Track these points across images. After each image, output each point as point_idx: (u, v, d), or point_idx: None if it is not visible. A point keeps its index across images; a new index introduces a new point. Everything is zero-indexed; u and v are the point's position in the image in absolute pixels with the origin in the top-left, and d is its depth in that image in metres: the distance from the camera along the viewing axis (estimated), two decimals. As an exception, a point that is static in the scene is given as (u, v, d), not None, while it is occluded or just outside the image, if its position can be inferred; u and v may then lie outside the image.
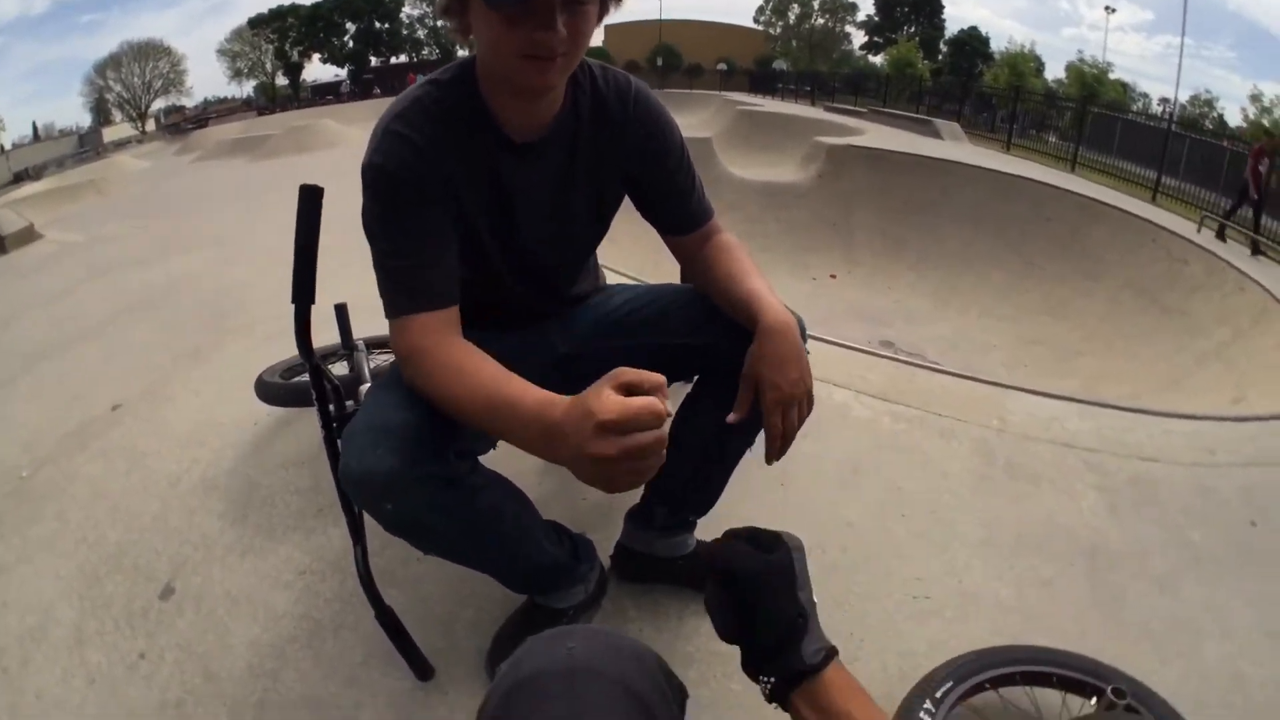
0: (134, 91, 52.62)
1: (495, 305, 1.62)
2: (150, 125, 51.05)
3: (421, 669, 1.73)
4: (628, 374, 1.04)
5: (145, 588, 2.12)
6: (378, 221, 1.35)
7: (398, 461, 1.24)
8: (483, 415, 1.21)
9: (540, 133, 1.44)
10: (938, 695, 1.54)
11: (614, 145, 1.53)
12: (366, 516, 1.51)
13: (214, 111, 51.68)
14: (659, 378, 1.05)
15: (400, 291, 1.34)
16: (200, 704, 1.75)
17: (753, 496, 2.25)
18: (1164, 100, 43.19)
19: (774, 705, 1.07)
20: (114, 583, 2.16)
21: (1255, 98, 42.18)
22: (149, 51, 53.51)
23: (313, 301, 1.55)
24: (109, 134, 48.53)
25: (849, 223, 8.58)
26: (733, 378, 1.53)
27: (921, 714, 1.50)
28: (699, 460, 1.75)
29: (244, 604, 2.02)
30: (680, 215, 1.63)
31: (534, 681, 0.80)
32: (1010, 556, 2.20)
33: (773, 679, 1.05)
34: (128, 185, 16.09)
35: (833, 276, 8.01)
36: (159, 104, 53.88)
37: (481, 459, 1.49)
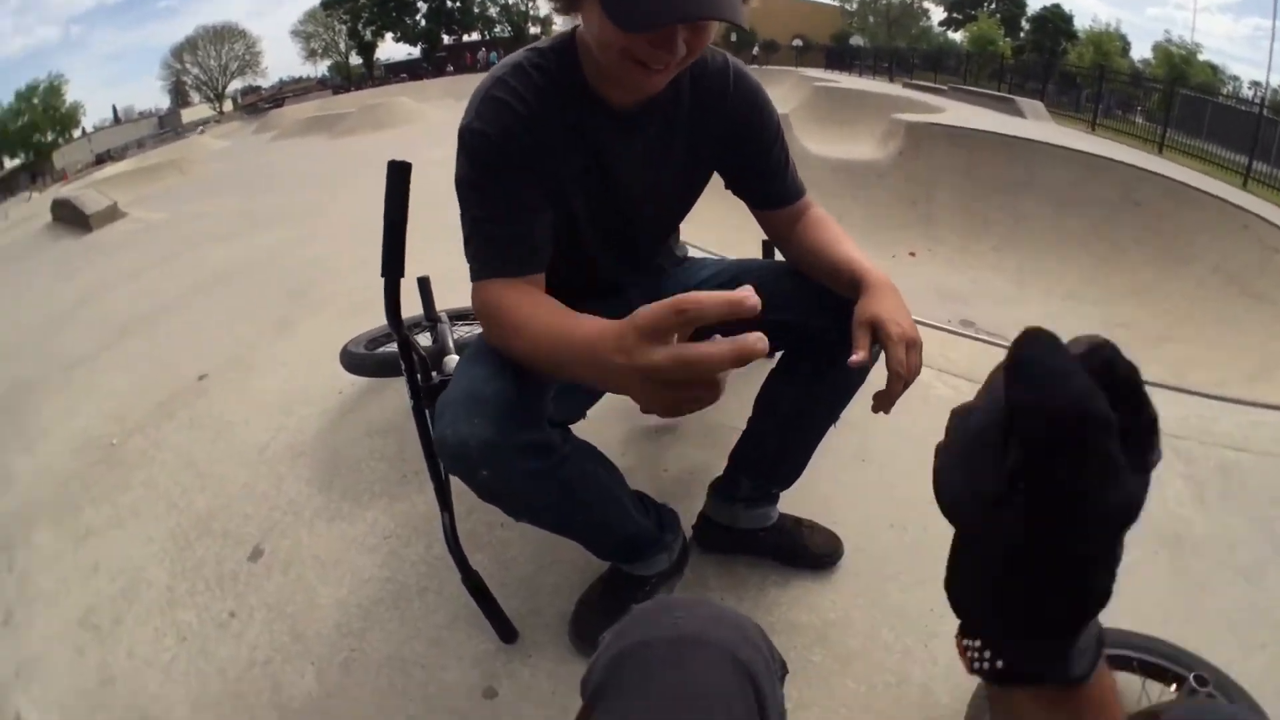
0: (210, 74, 53.52)
1: (580, 274, 1.62)
2: (228, 106, 52.08)
3: (506, 631, 1.76)
4: (643, 315, 0.95)
5: (234, 551, 2.19)
6: (472, 186, 1.35)
7: (493, 430, 1.25)
8: (547, 354, 1.19)
9: (640, 106, 1.43)
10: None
11: (714, 121, 1.52)
12: (454, 483, 1.54)
13: (289, 91, 52.47)
14: (672, 301, 0.92)
15: (489, 255, 1.34)
16: (288, 661, 1.81)
17: (834, 473, 2.24)
18: (1255, 84, 41.50)
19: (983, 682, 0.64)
20: (203, 546, 2.24)
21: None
22: (224, 34, 54.40)
23: (402, 274, 1.59)
24: (187, 115, 49.76)
25: (930, 201, 8.40)
26: (820, 352, 1.55)
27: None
28: (784, 432, 1.75)
29: (331, 567, 2.07)
30: (776, 191, 1.62)
31: (641, 649, 0.79)
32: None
33: (1000, 664, 0.61)
34: (208, 164, 16.43)
35: (912, 255, 7.87)
36: (235, 85, 54.83)
37: (573, 429, 1.50)
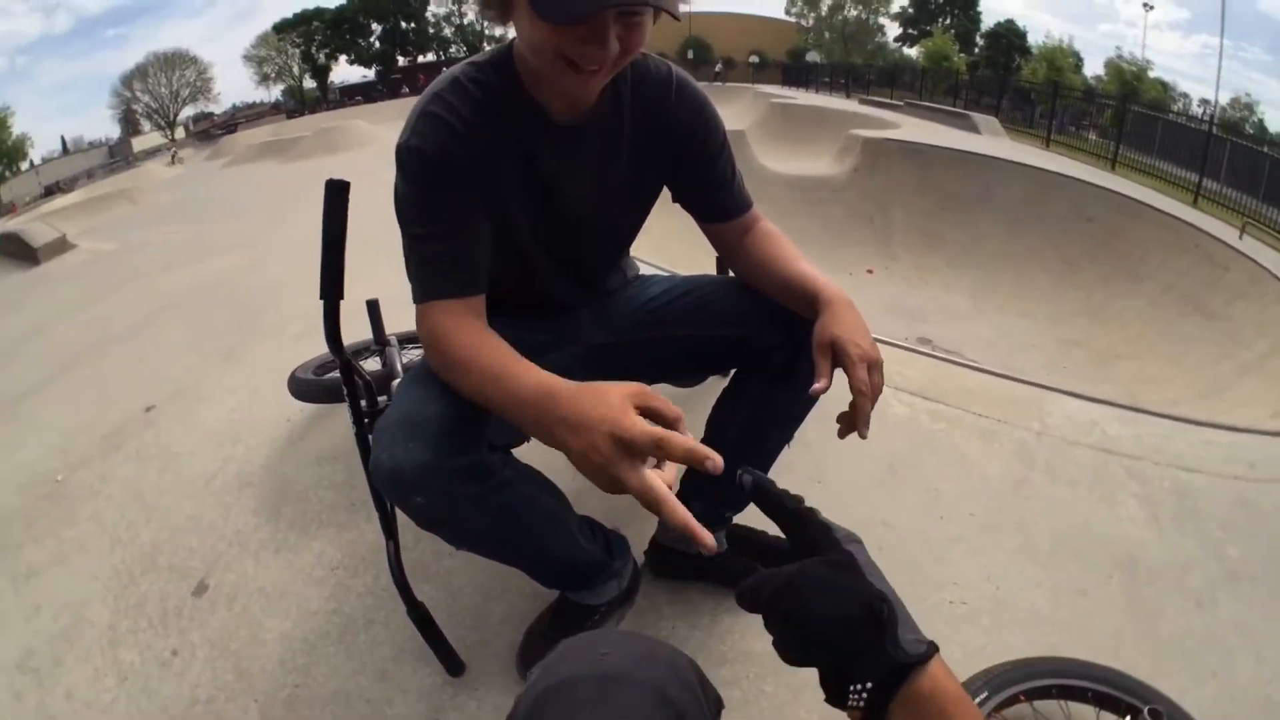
0: (162, 101, 53.07)
1: (528, 294, 1.60)
2: (179, 133, 51.64)
3: (452, 664, 1.73)
4: (652, 398, 1.02)
5: (179, 585, 2.14)
6: (410, 204, 1.32)
7: (429, 455, 1.22)
8: (492, 398, 1.19)
9: (581, 116, 1.41)
10: (972, 706, 1.51)
11: (657, 130, 1.50)
12: (399, 511, 1.51)
13: (243, 116, 52.22)
14: (678, 411, 1.03)
15: (429, 276, 1.32)
16: (231, 700, 1.76)
17: (787, 494, 2.22)
18: (1204, 101, 42.37)
19: None
20: (148, 582, 2.18)
21: (1296, 104, 41.63)
22: (175, 61, 53.97)
23: (341, 296, 1.55)
24: (139, 143, 49.24)
25: (886, 218, 8.50)
26: (771, 370, 1.54)
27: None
28: (737, 453, 1.72)
29: (277, 600, 2.03)
30: (723, 203, 1.60)
31: (566, 687, 0.78)
32: (1047, 564, 2.16)
33: (868, 685, 0.76)
34: (159, 193, 16.29)
35: (869, 271, 7.94)
36: (187, 111, 54.41)
37: (515, 453, 1.47)
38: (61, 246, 8.40)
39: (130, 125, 52.78)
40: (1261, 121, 41.56)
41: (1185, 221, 7.30)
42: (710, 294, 1.66)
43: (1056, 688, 1.60)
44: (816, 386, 1.31)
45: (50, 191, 34.96)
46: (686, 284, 1.74)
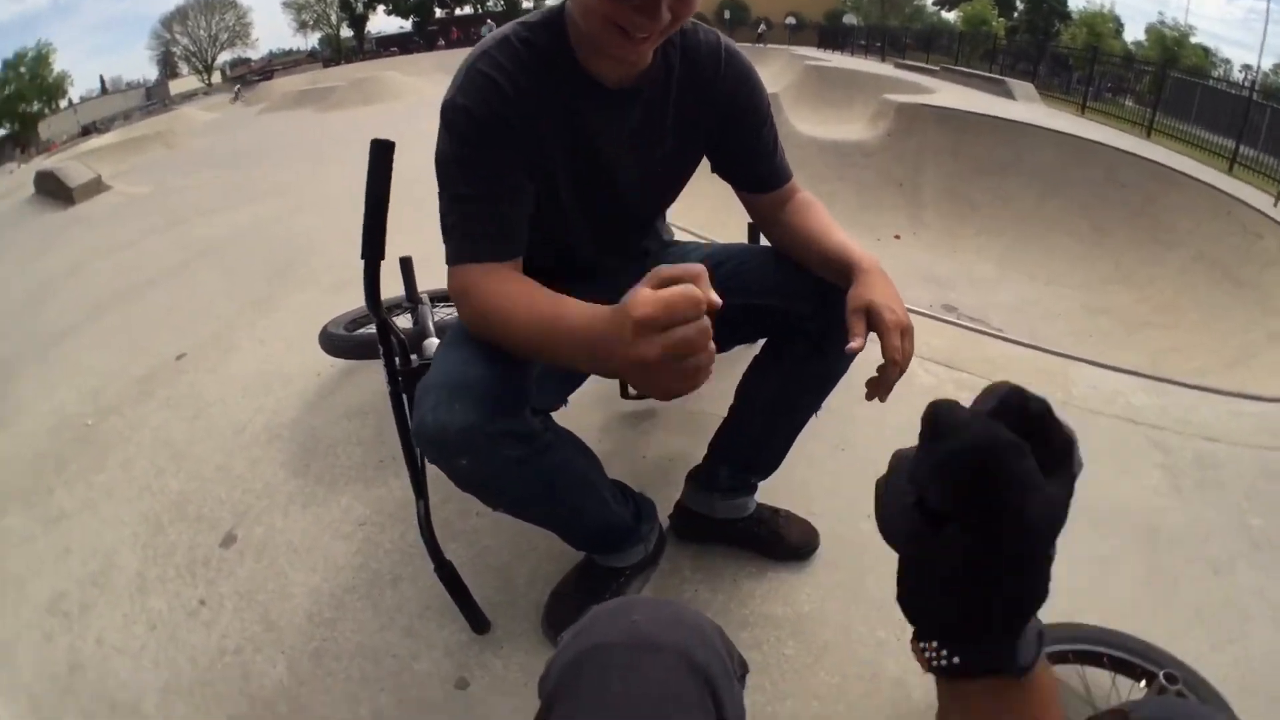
0: (200, 45, 52.98)
1: (565, 258, 1.60)
2: (216, 78, 51.57)
3: (478, 622, 1.75)
4: (665, 269, 0.98)
5: (208, 536, 2.17)
6: (454, 163, 1.31)
7: (475, 417, 1.22)
8: (534, 339, 1.18)
9: (629, 83, 1.40)
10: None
11: (704, 100, 1.49)
12: (430, 470, 1.52)
13: (279, 64, 52.03)
14: (699, 267, 0.97)
15: (467, 236, 1.30)
16: (259, 650, 1.79)
17: (812, 461, 2.24)
18: (1246, 67, 41.29)
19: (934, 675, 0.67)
20: (176, 531, 2.21)
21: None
22: (215, 5, 53.77)
23: (383, 256, 1.55)
24: (175, 86, 49.18)
25: (917, 183, 8.39)
26: (804, 339, 1.55)
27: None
28: (766, 420, 1.74)
29: (304, 553, 2.05)
30: (764, 173, 1.60)
31: (597, 653, 0.79)
32: (1068, 533, 2.10)
33: (956, 660, 0.64)
34: (195, 137, 16.29)
35: (897, 237, 7.86)
36: (225, 57, 54.27)
37: (553, 415, 1.48)
38: (97, 187, 8.40)
39: (168, 68, 52.70)
40: None
41: (1219, 189, 7.15)
42: (746, 263, 1.65)
43: (1073, 653, 1.60)
44: (853, 345, 1.30)
45: (87, 131, 35.02)
46: (722, 252, 1.73)
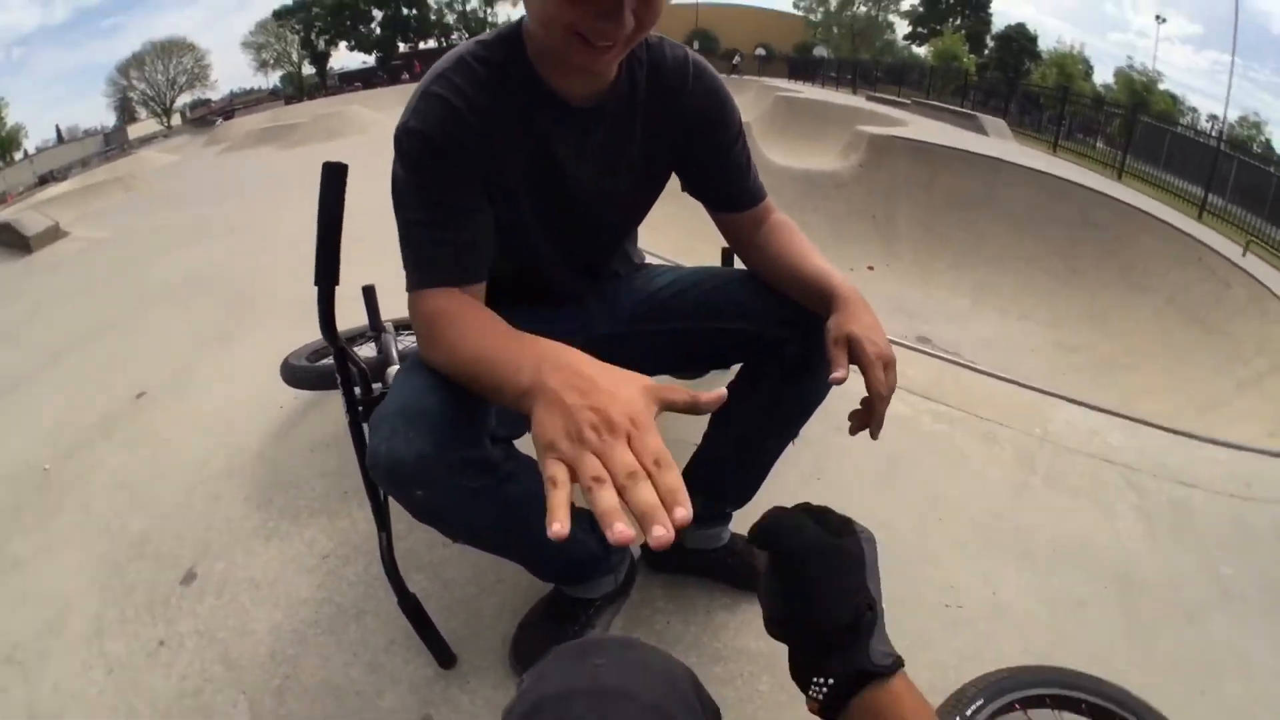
0: (158, 88, 52.54)
1: (530, 282, 1.56)
2: (176, 120, 51.41)
3: (444, 656, 1.70)
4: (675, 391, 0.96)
5: (167, 574, 2.11)
6: (409, 189, 1.25)
7: (429, 446, 1.17)
8: (474, 365, 1.14)
9: (593, 99, 1.35)
10: (969, 713, 1.48)
11: (671, 114, 1.45)
12: (393, 501, 1.47)
13: (240, 103, 51.90)
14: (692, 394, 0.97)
15: (426, 263, 1.26)
16: (219, 691, 1.73)
17: (786, 490, 2.17)
18: (1213, 117, 42.14)
19: None
20: (135, 571, 2.15)
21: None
22: (172, 49, 53.46)
23: (336, 282, 1.51)
24: (134, 130, 48.93)
25: (890, 215, 8.45)
26: (779, 365, 1.51)
27: (954, 730, 1.44)
28: (741, 448, 1.70)
29: (266, 589, 2.00)
30: (736, 191, 1.56)
31: (561, 700, 0.75)
32: (1045, 572, 2.14)
33: (830, 681, 0.84)
34: (155, 180, 16.16)
35: (870, 268, 7.89)
36: (184, 99, 54.05)
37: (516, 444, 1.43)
38: (54, 234, 8.25)
39: (126, 113, 52.39)
40: (1269, 141, 41.30)
41: (1190, 235, 7.27)
42: (720, 286, 1.62)
43: (1051, 698, 1.57)
44: (836, 375, 1.27)
45: (44, 180, 34.71)
46: (695, 275, 1.69)
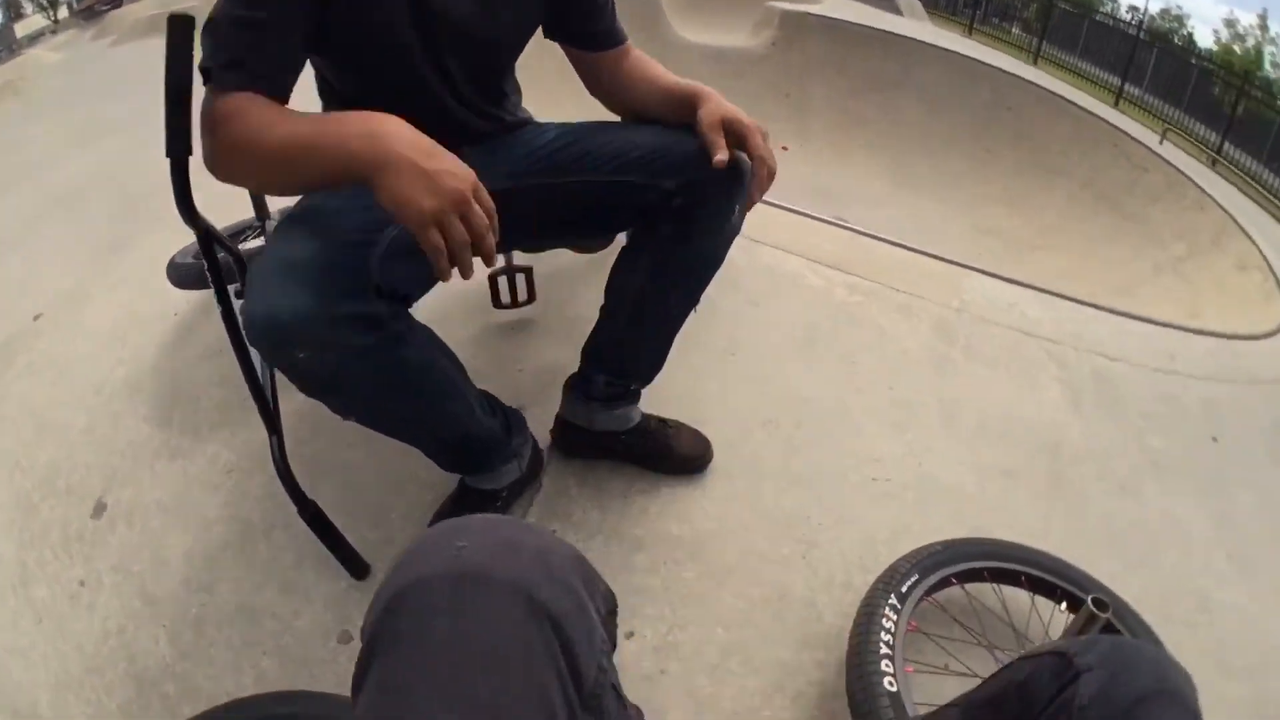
0: (42, -22, 49.89)
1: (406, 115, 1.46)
2: (64, 13, 48.53)
3: (356, 567, 1.65)
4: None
5: (79, 508, 2.01)
6: None
7: (309, 299, 1.08)
8: (296, 144, 1.08)
9: None
10: (903, 589, 1.48)
11: None
12: (289, 403, 1.42)
13: (129, -11, 49.44)
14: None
15: (237, 55, 1.15)
16: (140, 628, 1.67)
17: (701, 368, 2.16)
18: (1133, 8, 42.45)
19: None
20: (49, 508, 2.05)
21: (1230, 23, 41.99)
22: (58, -62, 50.57)
23: (189, 151, 1.30)
24: (21, 29, 46.24)
25: (803, 94, 8.29)
26: (671, 216, 1.47)
27: (886, 609, 1.44)
28: (639, 318, 1.65)
29: (175, 513, 1.92)
30: (603, 31, 1.54)
31: (417, 590, 0.67)
32: (972, 443, 2.15)
33: None
34: (44, 81, 15.26)
35: (785, 148, 7.77)
36: (71, -12, 51.20)
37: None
38: (-57, 152, 7.74)
39: (12, 9, 49.42)
40: (1191, 35, 41.86)
41: (1105, 120, 7.27)
42: (599, 137, 1.54)
43: (989, 571, 1.58)
44: (719, 158, 1.30)
45: (-74, 89, 32.69)
46: (581, 128, 1.61)
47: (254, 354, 1.45)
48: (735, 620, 1.61)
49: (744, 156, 1.38)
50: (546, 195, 1.55)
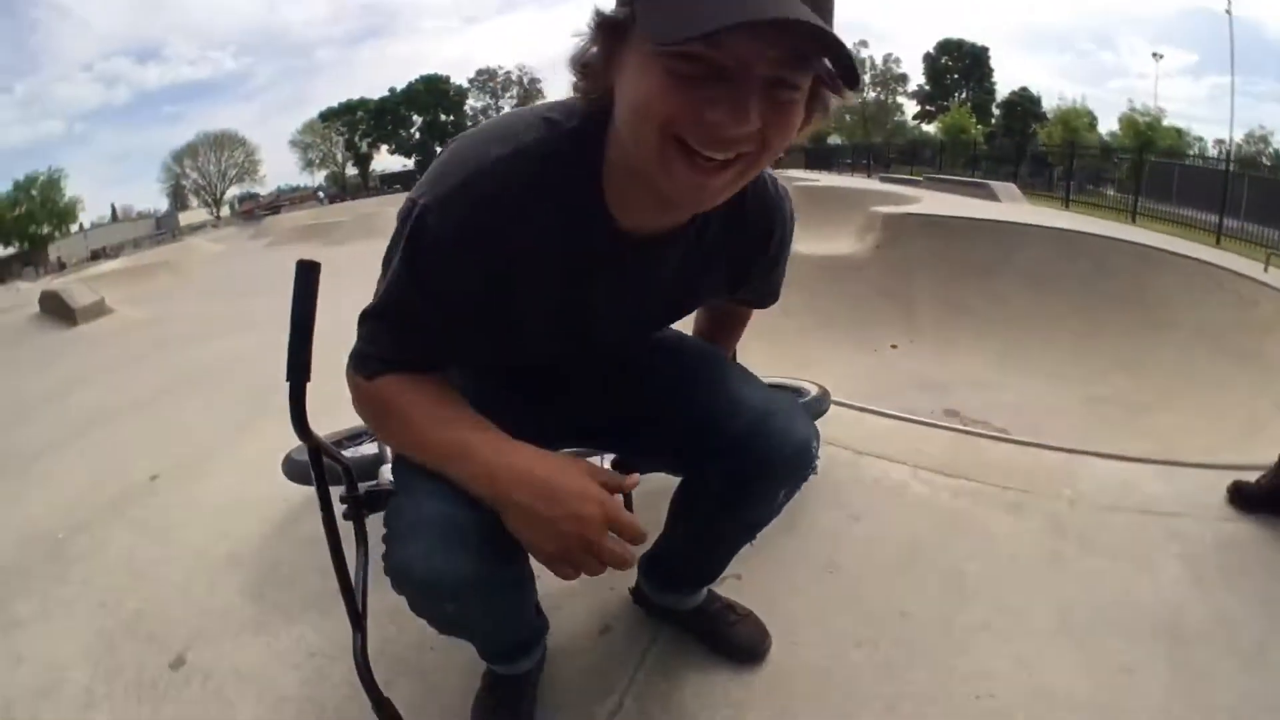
0: (210, 178, 55.50)
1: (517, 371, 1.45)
2: (225, 210, 53.17)
3: (423, 765, 1.60)
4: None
5: (158, 657, 2.07)
6: (401, 282, 1.09)
7: (474, 566, 1.09)
8: (434, 461, 1.12)
9: (660, 230, 1.12)
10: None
11: (735, 252, 1.27)
12: (378, 601, 1.44)
13: (287, 199, 54.07)
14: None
15: (388, 348, 1.17)
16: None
17: (797, 587, 2.10)
18: (1219, 141, 42.17)
19: None
20: (128, 649, 2.13)
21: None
22: (225, 141, 56.56)
23: (308, 378, 1.43)
24: (185, 218, 50.67)
25: (909, 291, 8.37)
26: (707, 487, 1.42)
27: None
28: (694, 542, 1.62)
29: (251, 682, 1.94)
30: (769, 293, 1.52)
31: None
32: (1086, 643, 1.99)
33: None
34: (201, 267, 16.53)
35: (894, 347, 7.79)
36: (233, 191, 56.37)
37: None
38: (99, 310, 8.42)
39: (178, 200, 54.58)
40: (1277, 151, 41.56)
41: (1208, 262, 7.17)
42: (695, 376, 1.46)
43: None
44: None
45: (96, 255, 36.00)
46: (673, 360, 1.53)
47: (347, 552, 1.54)
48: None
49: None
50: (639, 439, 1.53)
